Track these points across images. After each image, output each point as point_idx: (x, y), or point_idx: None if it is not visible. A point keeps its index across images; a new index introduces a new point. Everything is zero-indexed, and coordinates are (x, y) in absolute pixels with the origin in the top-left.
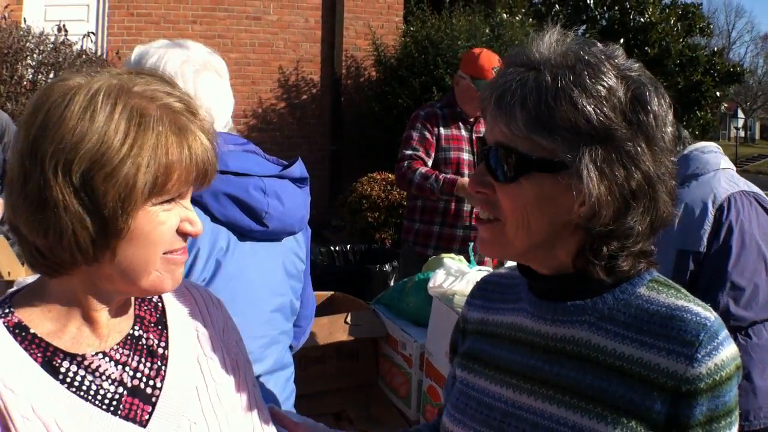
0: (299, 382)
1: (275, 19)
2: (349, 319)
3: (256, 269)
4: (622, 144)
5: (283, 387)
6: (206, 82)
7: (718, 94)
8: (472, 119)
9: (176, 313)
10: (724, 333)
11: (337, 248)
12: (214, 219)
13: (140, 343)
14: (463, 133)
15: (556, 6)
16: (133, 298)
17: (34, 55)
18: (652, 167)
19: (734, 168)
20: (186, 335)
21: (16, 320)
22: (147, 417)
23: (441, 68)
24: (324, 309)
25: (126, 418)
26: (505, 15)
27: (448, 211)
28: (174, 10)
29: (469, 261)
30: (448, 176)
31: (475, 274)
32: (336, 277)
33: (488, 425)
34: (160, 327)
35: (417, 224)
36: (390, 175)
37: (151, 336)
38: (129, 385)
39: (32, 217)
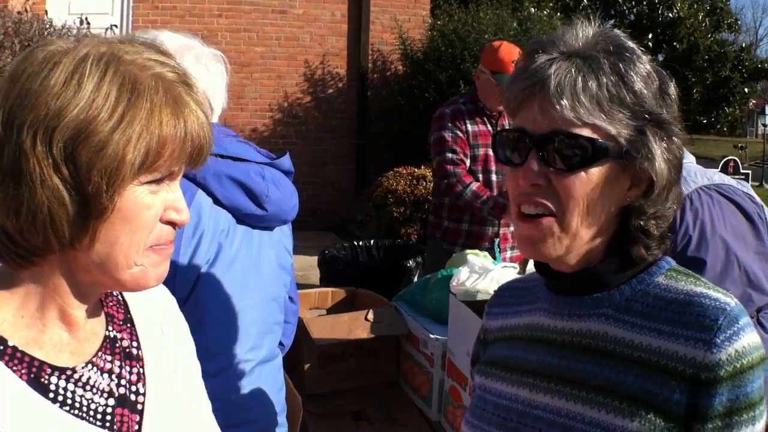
0: (318, 380)
1: (301, 13)
2: (369, 315)
3: (252, 255)
4: (670, 125)
5: (275, 377)
6: (212, 76)
7: (746, 90)
8: (495, 113)
9: (138, 307)
10: (746, 319)
11: (360, 243)
12: (216, 201)
13: (117, 345)
14: (489, 128)
15: (585, 0)
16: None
17: None
18: (679, 150)
19: (693, 160)
20: (153, 332)
21: None
22: (136, 428)
23: (468, 62)
24: (345, 305)
25: (119, 431)
26: (533, 9)
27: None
28: (199, 3)
29: (494, 257)
30: (499, 200)
31: (500, 271)
32: (358, 273)
33: (505, 427)
34: (128, 325)
35: (446, 221)
36: (416, 170)
37: (125, 336)
38: (117, 394)
39: (4, 194)
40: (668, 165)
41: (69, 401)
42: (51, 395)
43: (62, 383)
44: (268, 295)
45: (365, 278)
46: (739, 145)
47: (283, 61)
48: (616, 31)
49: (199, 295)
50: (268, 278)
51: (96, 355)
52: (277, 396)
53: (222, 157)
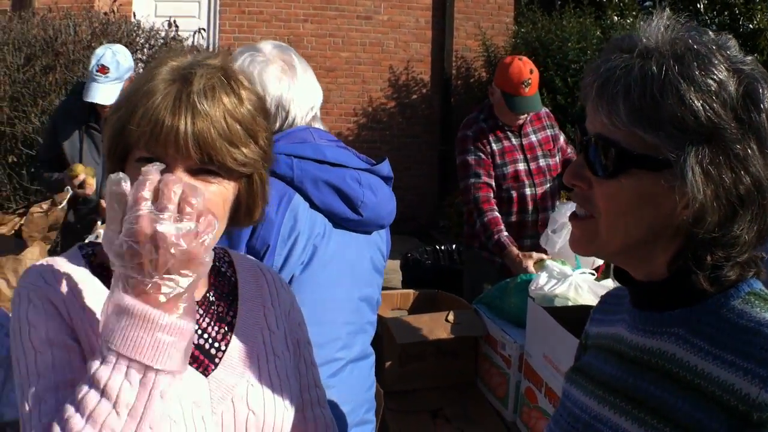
0: (398, 378)
1: (386, 19)
2: (450, 317)
3: (348, 258)
4: (731, 145)
5: (367, 375)
6: (271, 76)
7: None
8: (515, 128)
9: (247, 288)
10: None
11: (442, 247)
12: (313, 205)
13: (212, 308)
14: (514, 141)
15: (667, 10)
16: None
17: (144, 50)
18: (763, 171)
19: None
20: (254, 309)
21: (99, 261)
22: (211, 370)
23: (551, 70)
24: (426, 307)
25: (191, 364)
26: (616, 17)
27: (511, 225)
28: (285, 8)
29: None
30: (502, 239)
31: (578, 277)
32: (440, 276)
33: None
34: (230, 299)
35: None
36: None
37: (222, 304)
38: (196, 342)
39: None
40: (714, 188)
41: None
42: None
43: None
44: (361, 295)
45: (446, 282)
46: None
47: (368, 66)
48: (701, 28)
49: None
50: (362, 280)
51: None
52: (367, 393)
53: (320, 162)
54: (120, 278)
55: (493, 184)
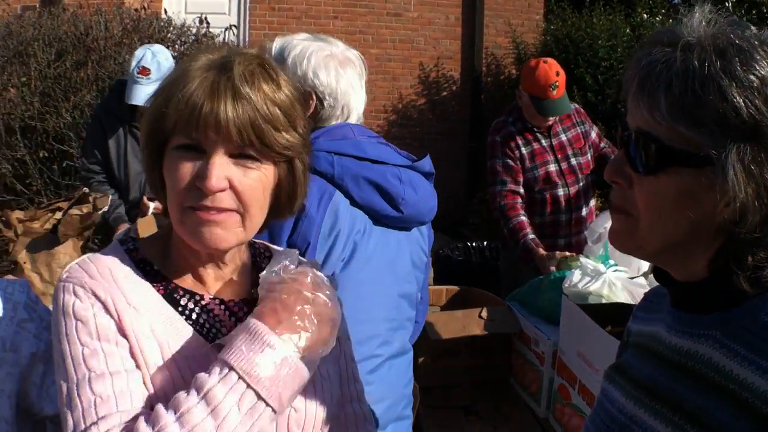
0: (431, 374)
1: (416, 16)
2: (483, 313)
3: (388, 254)
4: None
5: (405, 371)
6: (347, 77)
7: None
8: (544, 129)
9: None
10: None
11: (473, 244)
12: (353, 202)
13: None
14: (543, 143)
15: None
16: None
17: (176, 46)
18: None
19: None
20: None
21: (141, 256)
22: None
23: (581, 67)
24: (458, 303)
25: None
26: (645, 15)
27: (545, 225)
28: (315, 5)
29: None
30: (528, 243)
31: (612, 274)
32: (471, 273)
33: None
34: None
35: None
36: None
37: None
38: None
39: None
40: (756, 187)
41: (194, 318)
42: (180, 309)
43: (191, 305)
44: (400, 292)
45: (478, 278)
46: None
47: (398, 63)
48: (743, 23)
49: None
50: (402, 276)
51: (232, 300)
52: (405, 389)
53: (361, 159)
54: (265, 306)
55: (521, 190)
